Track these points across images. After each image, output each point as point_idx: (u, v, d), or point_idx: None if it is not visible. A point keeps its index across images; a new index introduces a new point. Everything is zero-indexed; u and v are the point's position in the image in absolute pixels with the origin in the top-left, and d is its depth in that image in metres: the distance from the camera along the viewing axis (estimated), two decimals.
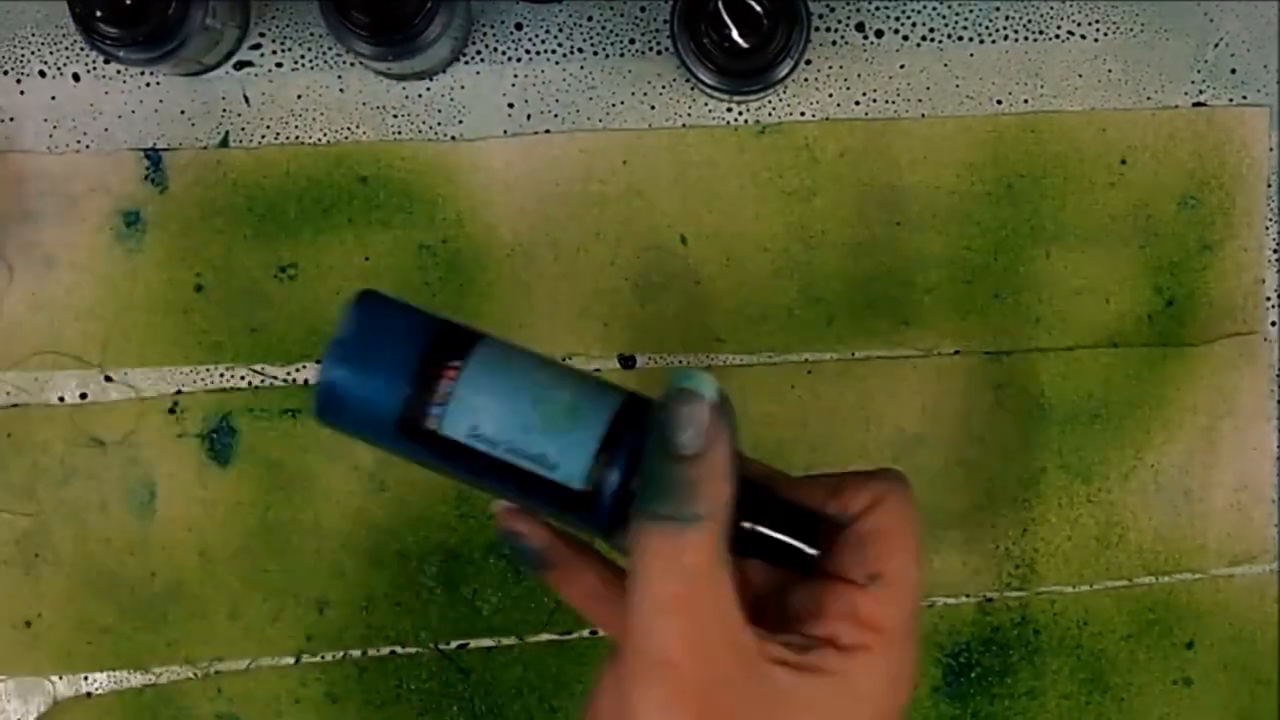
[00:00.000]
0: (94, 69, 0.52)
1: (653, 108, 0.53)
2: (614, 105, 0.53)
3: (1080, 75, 0.53)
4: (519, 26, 0.53)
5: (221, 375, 0.53)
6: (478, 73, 0.52)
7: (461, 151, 0.52)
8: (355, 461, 0.52)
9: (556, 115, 0.53)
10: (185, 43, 0.48)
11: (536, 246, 0.52)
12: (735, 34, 0.48)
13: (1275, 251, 0.54)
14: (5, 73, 0.52)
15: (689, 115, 0.53)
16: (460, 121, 0.53)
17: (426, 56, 0.48)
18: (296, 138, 0.52)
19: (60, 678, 0.53)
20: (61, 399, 0.52)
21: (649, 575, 0.33)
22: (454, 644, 0.53)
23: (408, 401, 0.34)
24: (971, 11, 0.53)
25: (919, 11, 0.53)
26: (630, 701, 0.33)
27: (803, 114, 0.53)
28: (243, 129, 0.52)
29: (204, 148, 0.52)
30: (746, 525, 0.35)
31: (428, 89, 0.52)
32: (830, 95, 0.53)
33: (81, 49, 0.52)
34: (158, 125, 0.52)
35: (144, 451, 0.52)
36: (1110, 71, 0.53)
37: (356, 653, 0.53)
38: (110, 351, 0.52)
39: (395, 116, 0.52)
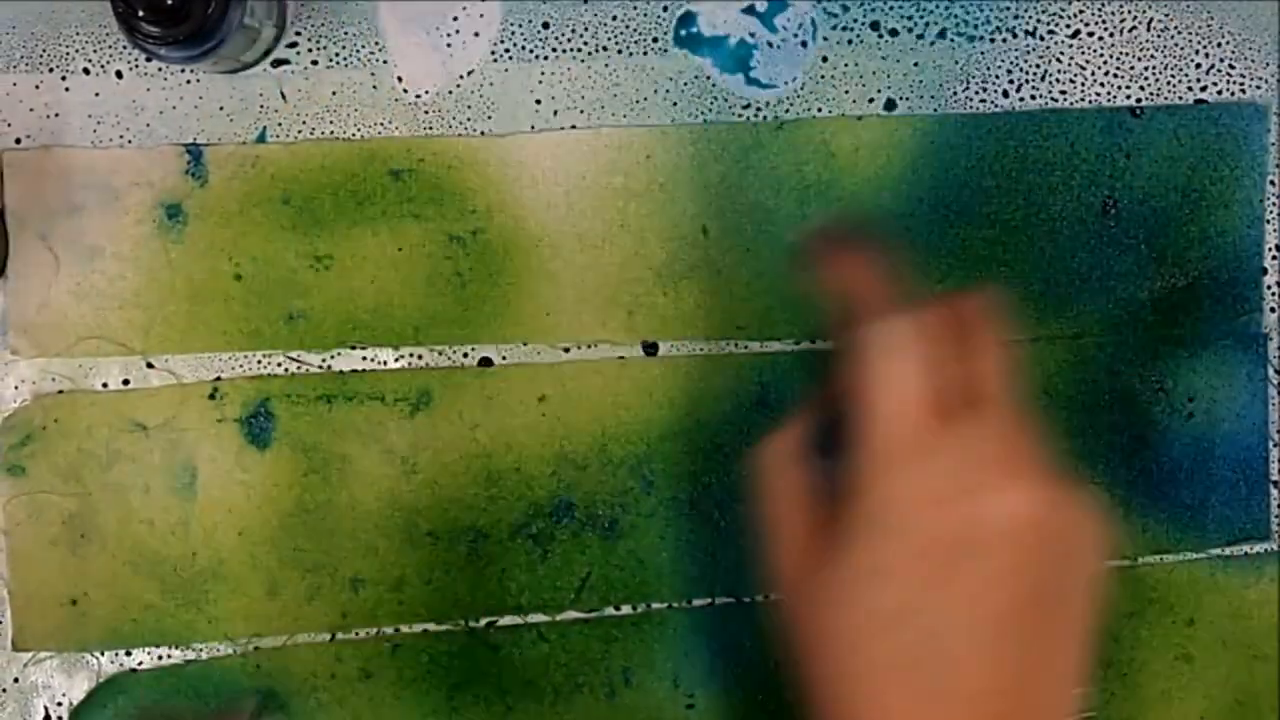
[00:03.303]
0: (136, 66, 0.52)
1: (675, 104, 0.52)
2: (638, 102, 0.52)
3: (1086, 72, 0.53)
4: (546, 25, 0.52)
5: (259, 362, 0.52)
6: (506, 70, 0.52)
7: (491, 146, 0.52)
8: (388, 445, 0.52)
9: (582, 111, 0.52)
10: (224, 41, 0.48)
11: (563, 238, 0.52)
12: None
13: (1275, 244, 0.54)
14: (51, 70, 0.52)
15: (710, 111, 0.53)
16: (489, 117, 0.52)
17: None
18: (331, 133, 0.52)
19: (104, 654, 0.52)
20: (105, 385, 0.52)
21: None
22: (483, 622, 0.53)
23: None
24: (982, 10, 0.53)
25: (931, 11, 0.53)
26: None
27: (820, 110, 0.53)
28: (279, 124, 0.52)
29: (242, 143, 0.52)
30: None
31: (459, 85, 0.52)
32: (846, 92, 0.53)
33: (124, 47, 0.52)
34: (198, 121, 0.52)
35: (185, 436, 0.52)
36: (1115, 68, 0.53)
37: (389, 630, 0.53)
38: (152, 339, 0.52)
39: (426, 113, 0.52)
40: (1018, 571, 0.37)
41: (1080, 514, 0.38)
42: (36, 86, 0.52)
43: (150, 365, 0.52)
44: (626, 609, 0.53)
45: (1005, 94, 0.53)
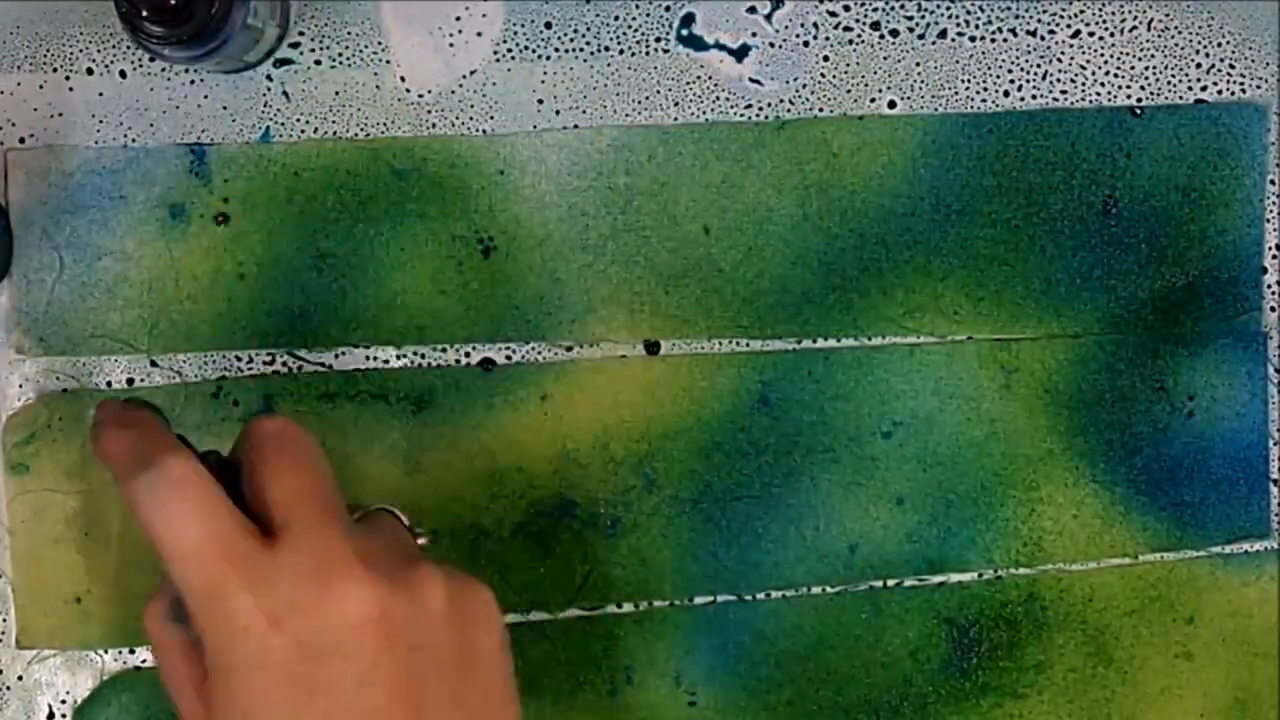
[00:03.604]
0: (140, 66, 0.52)
1: (677, 104, 0.52)
2: (640, 101, 0.52)
3: (1087, 72, 0.53)
4: (548, 25, 0.52)
5: (263, 361, 0.52)
6: (509, 70, 0.52)
7: (493, 146, 0.52)
8: (391, 444, 0.52)
9: (585, 111, 0.52)
10: (227, 41, 0.47)
11: (565, 237, 0.52)
12: None
13: (1275, 244, 0.54)
14: (55, 70, 0.52)
15: (712, 111, 0.53)
16: (492, 117, 0.52)
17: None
18: (334, 132, 0.52)
19: (107, 651, 0.52)
20: (109, 384, 0.52)
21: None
22: None
23: None
24: (983, 10, 0.53)
25: (932, 11, 0.53)
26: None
27: (821, 110, 0.53)
28: (283, 124, 0.52)
29: (246, 142, 0.52)
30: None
31: (461, 85, 0.52)
32: (848, 92, 0.53)
33: (128, 47, 0.52)
34: (201, 121, 0.52)
35: (189, 434, 0.52)
36: (1115, 68, 0.53)
37: None
38: (156, 338, 0.52)
39: (429, 112, 0.52)
40: (382, 665, 0.37)
41: (427, 592, 0.39)
42: (40, 86, 0.52)
43: (154, 364, 0.52)
44: (628, 607, 0.53)
45: (1006, 93, 0.53)
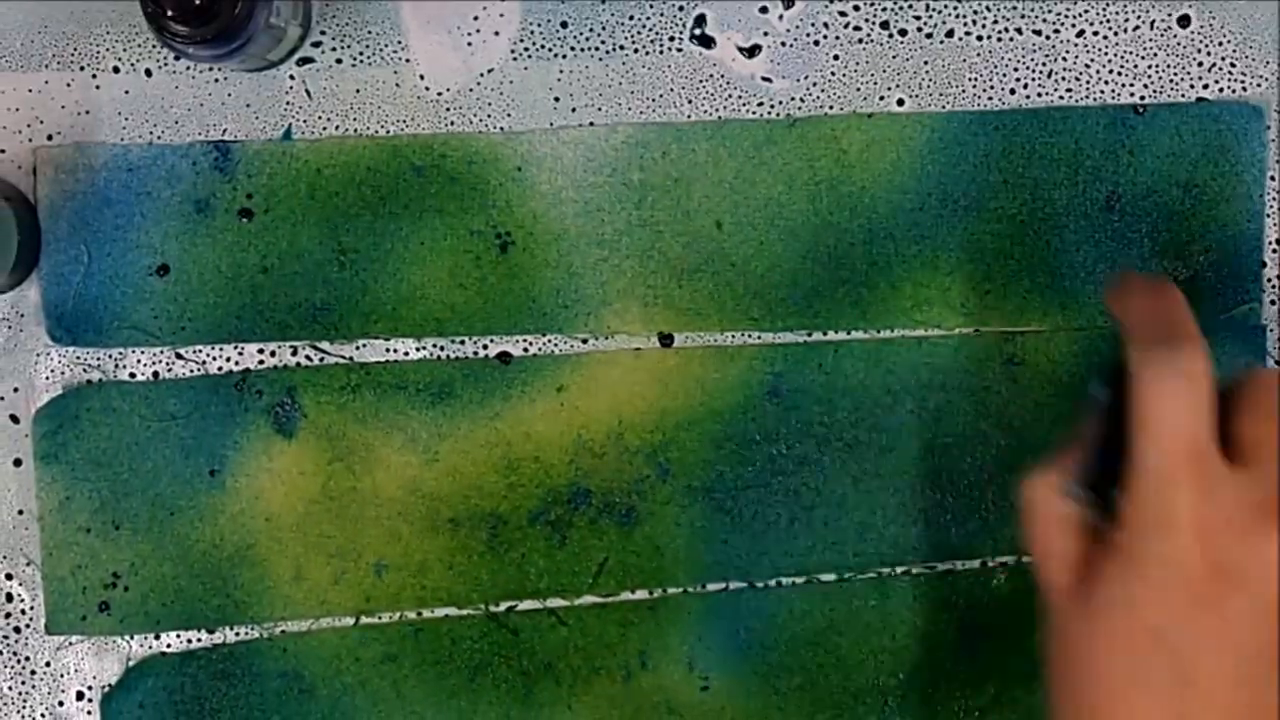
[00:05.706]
0: (165, 65, 0.53)
1: (690, 101, 0.53)
2: (654, 99, 0.53)
3: (1091, 70, 0.53)
4: (564, 24, 0.53)
5: (286, 353, 0.53)
6: (525, 68, 0.53)
7: (510, 143, 0.53)
8: (411, 434, 0.53)
9: (600, 109, 0.53)
10: (251, 40, 0.48)
11: (581, 232, 0.53)
12: None
13: (1274, 239, 0.54)
14: (81, 68, 0.53)
15: (725, 109, 0.53)
16: (509, 114, 0.53)
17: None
18: (355, 129, 0.53)
19: (133, 637, 0.53)
20: (135, 376, 0.53)
21: None
22: (503, 606, 0.53)
23: None
24: (990, 10, 0.53)
25: (940, 11, 0.53)
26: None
27: (831, 108, 0.53)
28: (305, 121, 0.53)
29: (269, 139, 0.53)
30: None
31: (479, 83, 0.53)
32: (858, 90, 0.53)
33: (153, 46, 0.53)
34: (225, 118, 0.53)
35: (213, 425, 0.53)
36: (1118, 67, 0.53)
37: (412, 614, 0.53)
38: (181, 331, 0.53)
39: (447, 110, 0.53)
40: (1275, 611, 0.38)
41: None
42: (68, 84, 0.53)
43: (179, 356, 0.53)
44: (643, 593, 0.53)
45: (1012, 91, 0.53)
